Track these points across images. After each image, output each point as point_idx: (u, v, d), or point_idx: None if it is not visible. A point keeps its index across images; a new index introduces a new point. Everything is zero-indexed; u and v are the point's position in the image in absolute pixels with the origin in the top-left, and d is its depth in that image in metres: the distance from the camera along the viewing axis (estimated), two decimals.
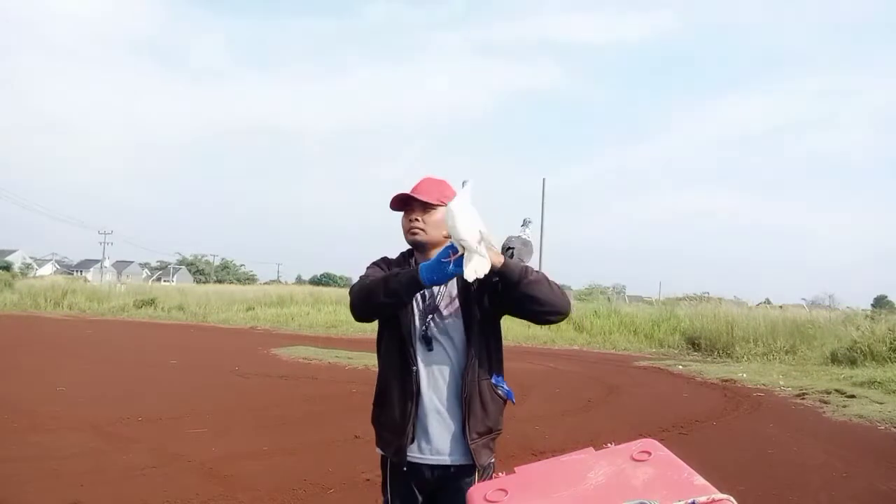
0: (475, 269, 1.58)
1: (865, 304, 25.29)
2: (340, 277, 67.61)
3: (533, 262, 1.99)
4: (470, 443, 1.75)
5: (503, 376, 1.88)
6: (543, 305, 1.72)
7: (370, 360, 10.46)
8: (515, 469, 1.64)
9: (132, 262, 77.65)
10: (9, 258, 56.05)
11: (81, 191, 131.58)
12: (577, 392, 8.14)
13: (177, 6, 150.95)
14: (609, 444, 1.53)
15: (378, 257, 1.99)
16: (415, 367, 1.78)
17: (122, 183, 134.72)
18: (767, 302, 26.54)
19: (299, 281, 61.04)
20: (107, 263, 61.28)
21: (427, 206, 1.85)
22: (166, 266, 75.94)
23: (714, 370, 11.20)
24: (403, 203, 1.87)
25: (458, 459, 1.76)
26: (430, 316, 1.81)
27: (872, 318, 13.52)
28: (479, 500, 1.47)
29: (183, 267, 75.70)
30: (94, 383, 7.75)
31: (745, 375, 10.39)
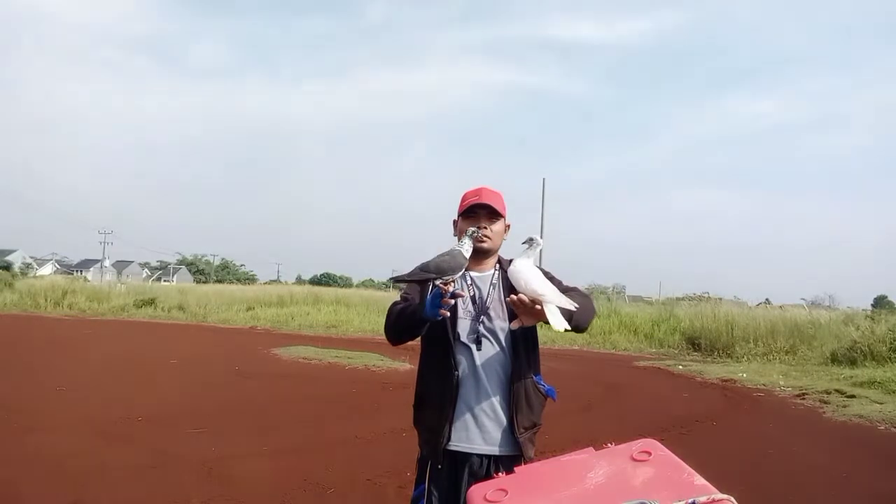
0: (555, 321, 1.71)
1: (865, 304, 25.33)
2: (340, 277, 67.61)
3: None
4: (518, 437, 1.83)
5: (542, 376, 1.96)
6: (584, 327, 1.86)
7: (370, 360, 10.45)
8: (515, 469, 1.64)
9: (132, 262, 77.59)
10: (9, 258, 55.95)
11: (81, 191, 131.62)
12: (577, 392, 8.12)
13: (177, 6, 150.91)
14: (609, 444, 1.54)
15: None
16: (456, 372, 1.85)
17: (122, 183, 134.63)
18: (767, 302, 26.48)
19: (299, 281, 60.87)
20: (107, 263, 61.27)
21: (493, 216, 1.91)
22: (166, 266, 75.89)
23: (714, 370, 11.19)
24: (469, 209, 1.92)
25: (506, 451, 1.84)
26: (481, 317, 1.89)
27: (872, 319, 13.50)
28: (479, 500, 1.47)
29: (183, 267, 75.65)
30: (94, 383, 7.74)
31: (745, 375, 10.39)
